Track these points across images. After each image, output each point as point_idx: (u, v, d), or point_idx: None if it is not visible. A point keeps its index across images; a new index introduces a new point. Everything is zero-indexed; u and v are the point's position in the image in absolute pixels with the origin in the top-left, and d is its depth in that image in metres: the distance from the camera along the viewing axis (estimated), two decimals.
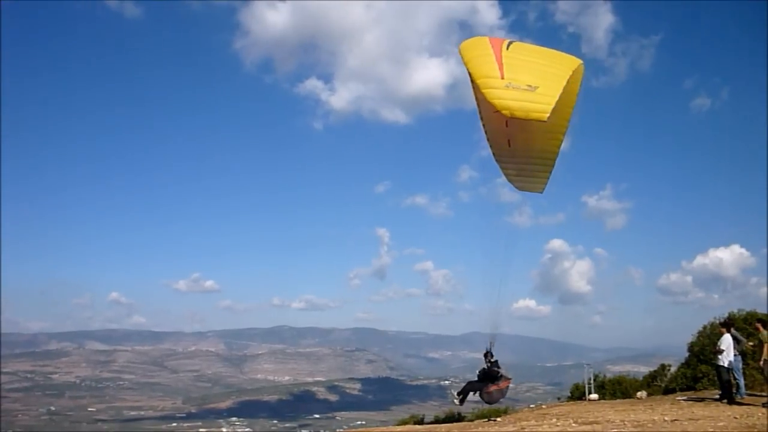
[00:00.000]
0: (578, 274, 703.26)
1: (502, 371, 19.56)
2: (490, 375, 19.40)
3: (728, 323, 21.43)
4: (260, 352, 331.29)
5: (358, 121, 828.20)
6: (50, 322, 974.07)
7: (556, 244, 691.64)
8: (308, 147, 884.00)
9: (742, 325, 24.26)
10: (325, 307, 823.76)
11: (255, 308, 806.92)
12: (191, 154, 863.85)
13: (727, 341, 20.42)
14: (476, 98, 17.12)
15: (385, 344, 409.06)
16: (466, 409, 31.28)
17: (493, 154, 18.48)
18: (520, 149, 17.99)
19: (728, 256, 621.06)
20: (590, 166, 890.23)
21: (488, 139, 18.18)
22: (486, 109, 17.29)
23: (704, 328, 27.61)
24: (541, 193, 19.14)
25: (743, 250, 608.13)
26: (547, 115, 12.87)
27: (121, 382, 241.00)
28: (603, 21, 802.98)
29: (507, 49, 14.53)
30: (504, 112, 12.89)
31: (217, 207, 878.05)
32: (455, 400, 19.94)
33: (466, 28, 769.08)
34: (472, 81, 14.24)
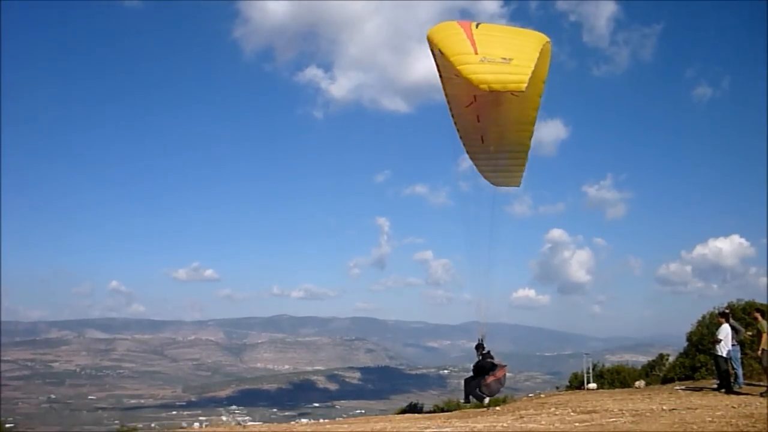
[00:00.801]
0: (578, 263, 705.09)
1: (496, 360, 19.47)
2: (484, 367, 19.33)
3: (727, 313, 21.49)
4: (260, 341, 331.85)
5: (358, 110, 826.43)
6: (50, 310, 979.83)
7: (556, 233, 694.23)
8: (308, 136, 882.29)
9: (741, 314, 24.33)
10: (324, 296, 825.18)
11: (255, 297, 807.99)
12: (190, 143, 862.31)
13: (725, 331, 20.49)
14: (446, 95, 17.02)
15: (384, 333, 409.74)
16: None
17: (467, 152, 18.47)
18: (494, 145, 18.03)
19: (728, 246, 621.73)
20: (591, 156, 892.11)
21: (461, 137, 18.15)
22: (457, 106, 17.29)
23: (703, 317, 27.66)
24: (518, 186, 19.25)
25: (743, 240, 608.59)
26: (525, 84, 12.85)
27: (121, 371, 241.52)
28: (605, 9, 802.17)
29: (476, 28, 14.40)
30: (482, 86, 12.81)
31: (216, 196, 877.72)
32: (486, 404, 19.89)
33: (467, 17, 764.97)
34: (446, 60, 13.96)
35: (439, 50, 14.08)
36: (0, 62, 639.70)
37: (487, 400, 19.77)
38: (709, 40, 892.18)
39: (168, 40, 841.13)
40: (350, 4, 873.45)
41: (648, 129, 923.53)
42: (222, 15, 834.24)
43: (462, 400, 20.00)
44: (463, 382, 20.17)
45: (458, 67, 13.26)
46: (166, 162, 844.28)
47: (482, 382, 19.14)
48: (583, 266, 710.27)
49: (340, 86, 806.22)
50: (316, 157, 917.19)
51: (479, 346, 19.76)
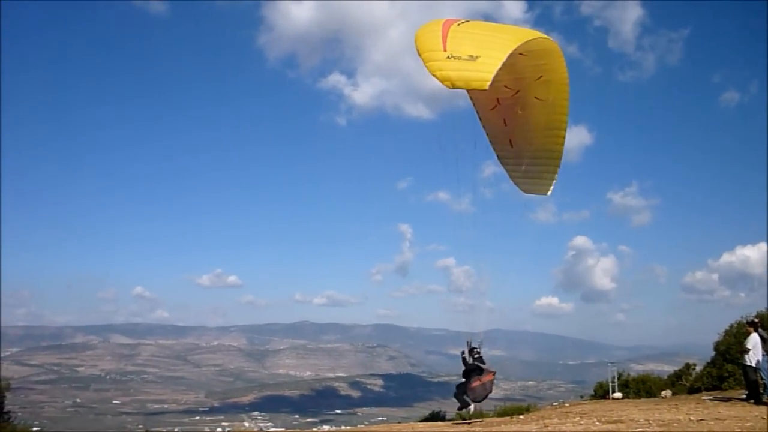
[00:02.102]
0: (602, 271, 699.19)
1: (485, 366, 19.00)
2: (471, 371, 18.88)
3: (756, 322, 21.13)
4: (282, 347, 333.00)
5: (381, 116, 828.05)
6: (76, 315, 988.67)
7: (580, 241, 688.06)
8: (331, 142, 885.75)
9: None
10: (346, 303, 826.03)
11: (277, 304, 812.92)
12: (215, 149, 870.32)
13: (754, 340, 20.15)
14: (471, 99, 16.94)
15: (406, 340, 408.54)
16: (487, 406, 31.19)
17: (497, 156, 18.29)
18: (523, 149, 17.80)
19: (755, 254, 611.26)
20: (615, 163, 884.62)
21: (490, 141, 18.01)
22: (482, 110, 17.16)
23: (730, 327, 27.24)
24: (547, 195, 18.70)
25: None
26: (488, 83, 12.61)
27: (145, 376, 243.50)
28: (630, 14, 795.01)
29: (458, 25, 14.30)
30: (445, 83, 12.68)
31: (240, 202, 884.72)
32: (471, 410, 19.51)
33: (490, 21, 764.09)
34: (418, 57, 13.81)
35: (415, 47, 14.00)
36: (26, 66, 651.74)
37: (472, 408, 19.27)
38: (736, 44, 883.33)
39: (193, 47, 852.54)
40: (374, 11, 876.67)
41: (674, 135, 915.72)
42: (247, 22, 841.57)
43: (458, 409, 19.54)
44: (456, 391, 19.57)
45: (426, 64, 13.18)
46: (191, 168, 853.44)
47: (468, 386, 18.70)
48: (607, 274, 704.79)
49: (363, 93, 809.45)
50: (339, 163, 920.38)
51: (473, 349, 19.15)
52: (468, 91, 16.01)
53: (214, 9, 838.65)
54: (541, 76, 16.04)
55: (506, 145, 17.87)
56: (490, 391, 19.26)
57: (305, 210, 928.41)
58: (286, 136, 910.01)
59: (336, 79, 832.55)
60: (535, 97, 16.49)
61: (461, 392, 18.88)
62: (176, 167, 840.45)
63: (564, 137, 17.49)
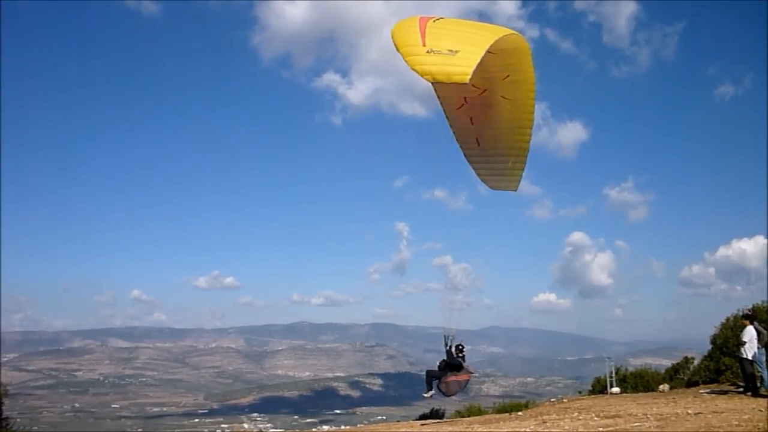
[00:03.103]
0: (599, 266, 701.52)
1: (465, 364, 19.08)
2: (450, 366, 18.93)
3: (751, 315, 21.21)
4: (280, 348, 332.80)
5: (376, 115, 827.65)
6: (73, 320, 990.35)
7: (577, 237, 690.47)
8: (327, 142, 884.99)
9: (765, 317, 23.97)
10: (344, 302, 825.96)
11: (274, 305, 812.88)
12: (210, 151, 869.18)
13: (750, 333, 20.23)
14: (438, 97, 17.06)
15: (404, 339, 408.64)
16: (486, 403, 31.24)
17: (464, 155, 18.45)
18: (490, 147, 18.02)
19: (752, 247, 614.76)
20: (611, 158, 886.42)
21: (457, 140, 18.14)
22: (449, 109, 17.28)
23: (727, 320, 27.27)
24: (515, 191, 19.00)
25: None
26: (469, 76, 12.58)
27: (144, 379, 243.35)
28: (625, 9, 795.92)
29: (434, 22, 14.33)
30: (426, 77, 12.65)
31: (236, 203, 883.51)
32: (425, 395, 19.47)
33: (485, 19, 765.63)
34: (397, 52, 13.68)
35: (393, 43, 14.05)
36: (19, 68, 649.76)
37: (428, 395, 19.27)
38: (731, 38, 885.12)
39: (186, 48, 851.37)
40: (369, 10, 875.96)
41: (669, 129, 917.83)
42: (240, 22, 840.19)
43: (424, 393, 19.48)
44: (426, 372, 19.62)
45: (406, 59, 13.11)
46: (186, 169, 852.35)
47: (443, 378, 18.73)
48: (604, 269, 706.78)
49: (358, 91, 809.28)
50: (335, 162, 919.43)
51: (459, 345, 19.20)
52: (436, 90, 16.22)
53: (207, 9, 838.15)
54: (508, 76, 16.19)
55: (473, 144, 18.03)
56: (462, 390, 19.45)
57: (302, 210, 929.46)
58: (281, 136, 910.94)
59: (330, 78, 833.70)
60: (502, 96, 16.67)
61: (432, 377, 18.94)
62: (171, 169, 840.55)
63: (530, 135, 17.75)
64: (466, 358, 19.25)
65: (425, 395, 19.24)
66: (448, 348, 19.09)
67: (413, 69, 12.79)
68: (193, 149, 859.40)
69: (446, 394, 18.85)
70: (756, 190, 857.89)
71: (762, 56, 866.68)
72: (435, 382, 18.81)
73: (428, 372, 19.29)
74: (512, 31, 15.37)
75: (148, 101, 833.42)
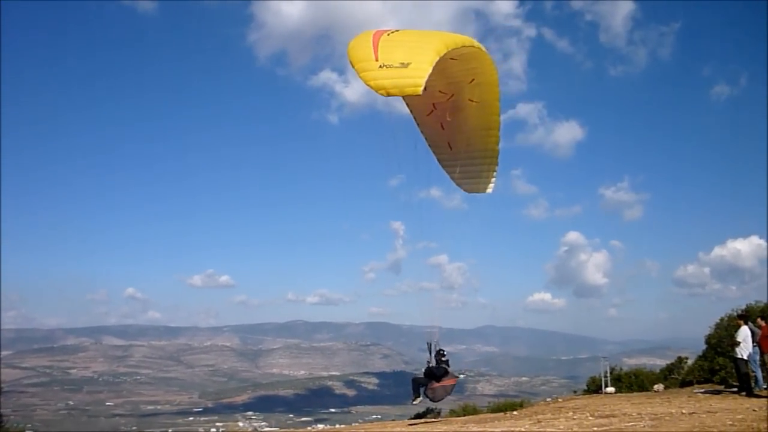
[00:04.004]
0: (594, 266, 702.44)
1: (450, 369, 19.21)
2: (434, 373, 19.06)
3: (745, 315, 21.29)
4: (275, 347, 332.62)
5: (372, 113, 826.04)
6: (67, 317, 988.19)
7: (573, 236, 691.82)
8: (323, 140, 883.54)
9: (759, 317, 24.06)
10: (339, 301, 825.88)
11: (269, 303, 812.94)
12: (205, 148, 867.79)
13: (744, 333, 20.29)
14: (408, 105, 17.25)
15: (399, 338, 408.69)
16: (481, 402, 31.27)
17: (438, 160, 18.70)
18: (462, 151, 18.25)
19: (746, 247, 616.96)
20: (607, 158, 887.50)
21: (429, 146, 18.42)
22: (419, 115, 17.47)
23: (721, 320, 27.41)
24: (489, 193, 19.14)
25: (762, 241, 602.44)
26: (421, 87, 12.74)
27: (138, 377, 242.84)
28: (621, 8, 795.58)
29: (388, 35, 14.39)
30: (380, 92, 12.80)
31: (231, 202, 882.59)
32: (414, 402, 19.54)
33: (481, 17, 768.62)
34: (352, 67, 13.89)
35: (348, 60, 14.11)
36: (15, 67, 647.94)
37: (415, 402, 19.38)
38: (727, 38, 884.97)
39: (182, 46, 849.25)
40: (366, 7, 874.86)
41: (665, 129, 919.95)
42: (236, 20, 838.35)
43: (412, 400, 19.56)
44: (411, 380, 19.75)
45: (359, 75, 13.29)
46: (181, 168, 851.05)
47: (429, 385, 18.87)
48: (599, 269, 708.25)
49: (354, 90, 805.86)
50: (331, 161, 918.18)
51: (440, 351, 19.31)
52: (403, 97, 16.26)
53: (203, 7, 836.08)
54: (473, 79, 16.40)
55: (445, 149, 18.26)
56: (449, 394, 19.42)
57: (297, 208, 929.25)
58: (277, 134, 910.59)
59: (327, 76, 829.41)
60: (470, 99, 16.91)
61: (419, 384, 19.03)
62: (166, 167, 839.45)
63: (498, 136, 17.99)
64: (450, 362, 19.26)
65: (414, 402, 19.30)
66: (428, 364, 19.19)
67: (367, 84, 12.99)
68: (189, 147, 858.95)
69: (433, 400, 18.98)
70: (751, 190, 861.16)
71: (758, 56, 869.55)
72: (422, 389, 18.85)
73: (414, 379, 19.38)
74: (467, 38, 15.51)
75: (143, 99, 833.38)
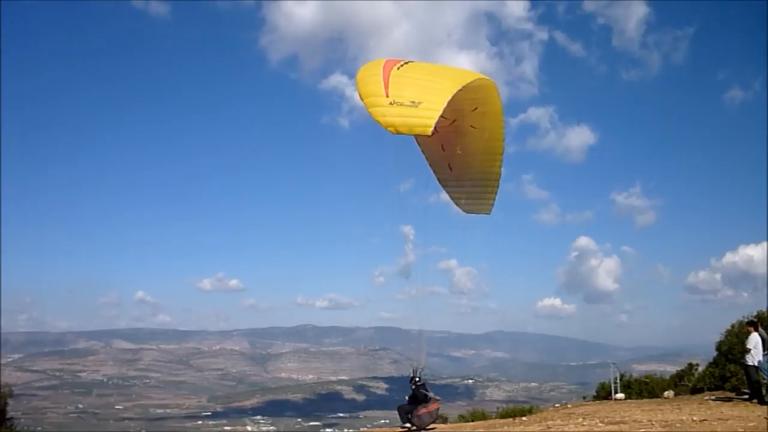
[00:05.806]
0: (605, 272, 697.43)
1: (430, 394, 19.36)
2: (418, 398, 19.27)
3: (755, 322, 21.15)
4: (284, 351, 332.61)
5: None
6: (78, 320, 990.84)
7: (583, 241, 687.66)
8: (333, 144, 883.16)
9: None
10: (348, 306, 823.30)
11: (279, 307, 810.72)
12: (216, 152, 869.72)
13: (754, 340, 20.17)
14: None
15: (408, 343, 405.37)
16: (490, 408, 31.21)
17: (438, 179, 18.86)
18: (463, 173, 18.45)
19: (759, 254, 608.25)
20: (619, 163, 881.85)
21: (430, 165, 18.59)
22: (419, 135, 17.60)
23: (732, 326, 27.26)
24: (488, 214, 19.40)
25: None
26: (431, 128, 12.98)
27: (148, 381, 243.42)
28: (635, 12, 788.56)
29: (398, 69, 14.56)
30: (389, 129, 12.97)
31: (241, 205, 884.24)
32: (402, 429, 19.68)
33: (493, 21, 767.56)
34: (361, 100, 14.12)
35: (357, 92, 14.26)
36: (24, 68, 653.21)
37: (407, 426, 19.50)
38: (741, 42, 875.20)
39: (194, 48, 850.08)
40: (379, 11, 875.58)
41: (678, 134, 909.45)
42: (248, 23, 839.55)
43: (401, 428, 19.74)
44: (397, 409, 19.96)
45: (369, 110, 13.43)
46: (192, 171, 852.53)
47: (414, 411, 19.02)
48: (610, 275, 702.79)
49: None
50: (342, 165, 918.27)
51: (413, 378, 19.53)
52: None
53: (215, 10, 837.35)
54: (476, 108, 16.55)
55: (446, 169, 18.47)
56: (435, 419, 19.91)
57: (307, 213, 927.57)
58: (287, 138, 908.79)
59: (338, 79, 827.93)
60: (471, 126, 17.06)
61: (405, 412, 19.24)
62: (177, 170, 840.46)
63: (501, 161, 18.17)
64: (428, 386, 19.50)
65: (402, 429, 19.52)
66: (413, 386, 19.44)
67: (376, 121, 13.13)
68: (199, 150, 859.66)
69: (419, 427, 19.03)
70: (764, 196, 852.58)
71: None
72: (409, 416, 19.12)
73: (399, 408, 19.69)
74: (479, 75, 15.86)
75: (153, 102, 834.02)
